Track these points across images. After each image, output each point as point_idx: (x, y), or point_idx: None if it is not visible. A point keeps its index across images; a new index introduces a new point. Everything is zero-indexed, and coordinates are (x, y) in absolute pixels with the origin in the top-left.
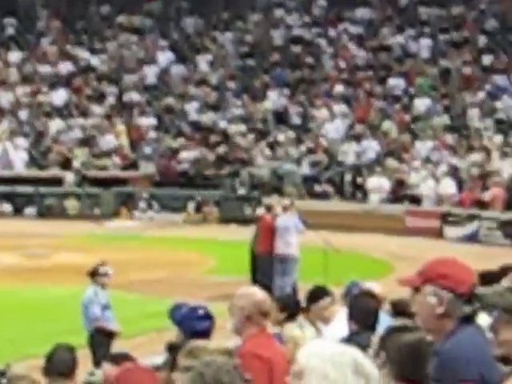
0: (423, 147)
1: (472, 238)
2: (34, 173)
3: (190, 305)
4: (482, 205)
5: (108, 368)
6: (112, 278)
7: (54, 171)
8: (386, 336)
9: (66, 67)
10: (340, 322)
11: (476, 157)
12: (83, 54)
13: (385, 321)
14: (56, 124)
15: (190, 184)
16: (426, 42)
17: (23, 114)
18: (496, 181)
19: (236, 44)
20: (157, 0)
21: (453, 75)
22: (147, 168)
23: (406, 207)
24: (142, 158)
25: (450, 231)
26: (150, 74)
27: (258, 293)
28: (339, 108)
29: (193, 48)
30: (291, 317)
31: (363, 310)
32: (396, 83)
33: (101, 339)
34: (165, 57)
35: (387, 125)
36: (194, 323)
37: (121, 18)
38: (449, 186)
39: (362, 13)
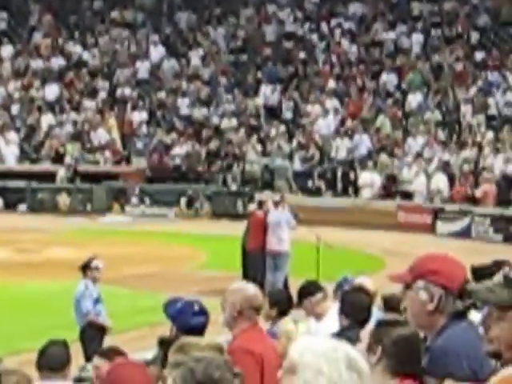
0: (415, 143)
1: (464, 234)
2: (26, 167)
3: (185, 300)
4: (474, 201)
5: (98, 363)
6: (104, 272)
7: (46, 166)
8: (380, 330)
9: (58, 62)
10: (332, 317)
11: (468, 153)
12: (75, 48)
13: (377, 316)
14: (48, 119)
15: (181, 179)
16: (418, 38)
17: (15, 109)
18: (488, 177)
19: (228, 39)
20: None
21: (445, 71)
22: (139, 163)
23: (398, 203)
24: (133, 152)
25: (442, 227)
26: (142, 68)
27: (250, 288)
28: (331, 103)
29: (185, 43)
30: (283, 313)
31: (355, 305)
32: (388, 79)
33: (92, 334)
34: (157, 52)
35: (381, 120)
36: (188, 318)
37: (113, 13)
38: (440, 182)
39: (354, 8)
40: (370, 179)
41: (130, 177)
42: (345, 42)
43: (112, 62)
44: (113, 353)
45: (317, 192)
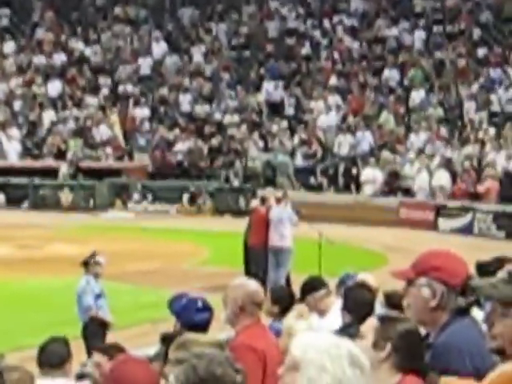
0: (417, 139)
1: (466, 230)
2: (28, 164)
3: (190, 296)
4: (476, 197)
5: (98, 359)
6: (105, 268)
7: (48, 162)
8: (387, 326)
9: (60, 58)
10: (335, 313)
11: (470, 149)
12: (77, 45)
13: (379, 313)
14: (50, 115)
15: (184, 175)
16: (420, 34)
17: (17, 105)
18: (490, 173)
19: (230, 35)
20: None
21: (447, 67)
22: (141, 159)
23: (400, 199)
24: (136, 149)
25: (444, 223)
26: (145, 65)
27: (251, 283)
28: (334, 100)
29: (187, 39)
30: (285, 310)
31: (358, 301)
32: (390, 75)
33: (95, 330)
34: (159, 48)
35: (385, 116)
36: (192, 315)
37: (115, 9)
38: (443, 178)
39: (356, 4)
40: (372, 175)
41: (132, 173)
42: (347, 39)
43: (114, 59)
44: (113, 349)
45: (319, 188)
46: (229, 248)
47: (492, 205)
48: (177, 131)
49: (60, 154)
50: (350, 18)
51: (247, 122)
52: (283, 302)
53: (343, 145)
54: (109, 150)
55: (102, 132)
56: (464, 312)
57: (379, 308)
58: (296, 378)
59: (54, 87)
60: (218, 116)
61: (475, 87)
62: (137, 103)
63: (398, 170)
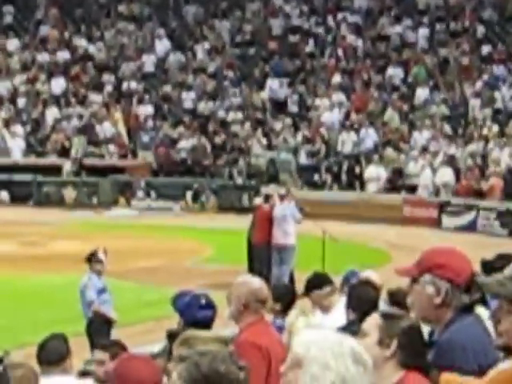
0: (421, 137)
1: (470, 228)
2: (32, 161)
3: (193, 293)
4: (480, 194)
5: (100, 356)
6: (108, 265)
7: (52, 159)
8: (391, 323)
9: (64, 55)
10: (339, 311)
11: (474, 147)
12: (81, 42)
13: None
14: (54, 112)
15: (187, 172)
16: (424, 32)
17: (21, 102)
18: (494, 170)
19: (234, 33)
20: None
21: (451, 65)
22: (145, 156)
23: (404, 196)
24: (139, 146)
25: (448, 221)
26: (148, 62)
27: (255, 281)
28: (337, 97)
29: (191, 37)
30: (287, 307)
31: (362, 299)
32: (394, 73)
33: (99, 326)
34: (163, 45)
35: (389, 114)
36: (195, 312)
37: (119, 7)
38: (446, 176)
39: (360, 2)
40: (375, 173)
41: (135, 170)
42: (351, 36)
43: (118, 56)
44: (114, 346)
45: (323, 186)
46: (232, 245)
47: (496, 202)
48: (180, 129)
49: (64, 152)
50: (354, 15)
51: (251, 119)
52: (285, 299)
53: (347, 142)
54: (112, 147)
55: (105, 129)
56: (468, 309)
57: (383, 305)
58: (299, 375)
59: (58, 84)
60: (221, 113)
61: (479, 85)
62: (140, 100)
63: (401, 168)
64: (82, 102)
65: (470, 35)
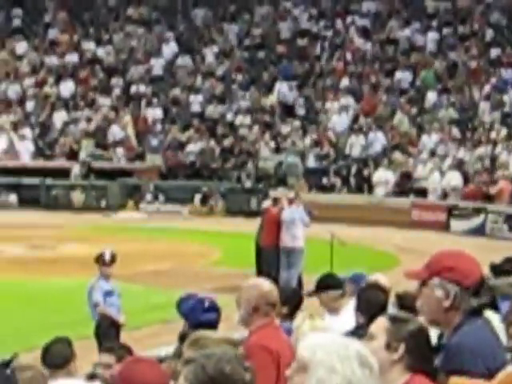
0: (429, 140)
1: (478, 232)
2: (40, 164)
3: (198, 297)
4: (488, 198)
5: (106, 359)
6: (116, 268)
7: (61, 162)
8: (399, 327)
9: (72, 59)
10: (348, 313)
11: (482, 150)
12: (90, 45)
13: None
14: (62, 115)
15: (196, 176)
16: (433, 36)
17: (30, 105)
18: (503, 174)
19: (243, 36)
20: None
21: (459, 68)
22: (153, 160)
23: (412, 200)
24: (148, 149)
25: (456, 224)
26: (157, 65)
27: (265, 284)
28: (346, 101)
29: (200, 40)
30: (294, 310)
31: (371, 302)
32: (403, 76)
33: (106, 329)
34: (171, 49)
35: (398, 118)
36: (198, 315)
37: (128, 10)
38: (454, 179)
39: (369, 5)
40: (384, 177)
41: (144, 174)
42: (359, 40)
43: (126, 59)
44: (120, 349)
45: (331, 189)
46: (240, 249)
47: (504, 206)
48: (189, 132)
49: (72, 155)
50: (363, 18)
51: (259, 122)
52: (292, 302)
53: (355, 146)
54: (121, 150)
55: (114, 132)
56: (477, 313)
57: (391, 309)
58: (305, 379)
59: (67, 88)
60: (229, 117)
61: (487, 88)
62: (149, 104)
63: (410, 172)
64: (91, 105)
65: (478, 39)
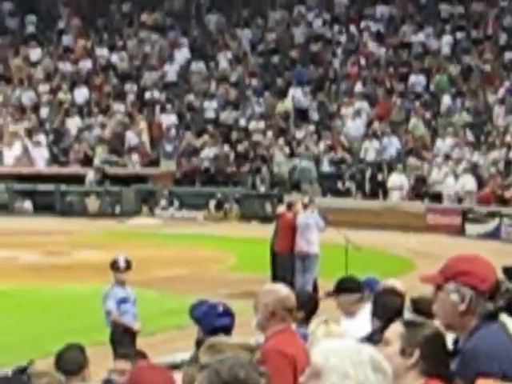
0: (444, 144)
1: (493, 235)
2: (55, 170)
3: (210, 302)
4: (503, 202)
5: (121, 366)
6: (128, 272)
7: (75, 169)
8: (414, 332)
9: (86, 65)
10: (364, 317)
11: (496, 154)
12: (104, 51)
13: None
14: (76, 122)
15: (210, 181)
16: (446, 40)
17: (44, 112)
18: None
19: (256, 41)
20: None
21: (474, 72)
22: (168, 165)
23: (427, 204)
24: (163, 155)
25: (471, 228)
26: (171, 71)
27: (283, 289)
28: (360, 105)
29: (213, 45)
30: (310, 315)
31: (388, 306)
32: (417, 80)
33: (120, 336)
34: (185, 54)
35: (413, 122)
36: (212, 320)
37: (142, 16)
38: (469, 183)
39: (382, 10)
40: (399, 181)
41: (159, 179)
42: (373, 44)
43: (140, 65)
44: (136, 355)
45: (346, 194)
46: (256, 254)
47: None
48: (204, 137)
49: (87, 161)
50: (376, 23)
51: (273, 128)
52: (308, 307)
53: (369, 150)
54: (136, 156)
55: (129, 139)
56: (493, 317)
57: (406, 314)
58: None
59: (81, 94)
60: (244, 122)
61: (501, 92)
62: (163, 110)
63: (424, 176)
64: (105, 111)
65: (492, 43)
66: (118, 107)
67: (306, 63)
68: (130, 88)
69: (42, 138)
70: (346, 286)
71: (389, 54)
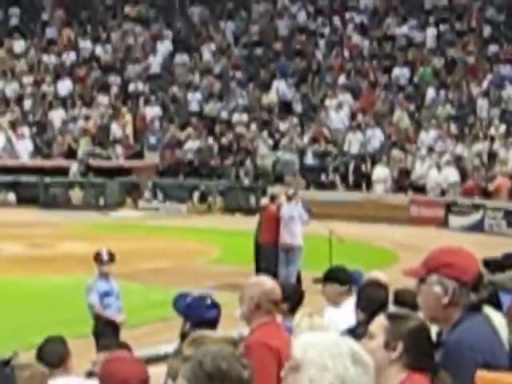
0: (427, 137)
1: (477, 228)
2: (39, 162)
3: (194, 294)
4: (487, 194)
5: (104, 357)
6: (112, 264)
7: (59, 161)
8: (397, 325)
9: (70, 57)
10: (348, 308)
11: (480, 146)
12: (87, 43)
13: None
14: (60, 114)
15: (194, 174)
16: (430, 32)
17: (27, 104)
18: (501, 170)
19: (240, 34)
20: None
21: (457, 65)
22: (152, 158)
23: (411, 197)
24: (146, 147)
25: (455, 221)
26: (155, 63)
27: (268, 282)
28: (344, 97)
29: (197, 38)
30: (294, 307)
31: (373, 299)
32: (401, 73)
33: (102, 328)
34: (169, 46)
35: (398, 115)
36: (202, 312)
37: (125, 8)
38: (452, 176)
39: (366, 2)
40: (382, 174)
41: (142, 172)
42: (357, 36)
43: (124, 57)
44: (118, 347)
45: (330, 186)
46: (239, 246)
47: (503, 202)
48: (187, 130)
49: (70, 153)
50: (360, 15)
51: (257, 120)
52: (293, 299)
53: (353, 143)
54: (119, 148)
55: (113, 131)
56: (476, 308)
57: (390, 306)
58: (297, 379)
59: (65, 86)
60: (227, 114)
61: (485, 84)
62: (147, 102)
63: (408, 168)
64: (89, 103)
65: (476, 35)
66: (102, 99)
67: (290, 55)
68: (114, 80)
69: (25, 130)
70: (335, 276)
71: (373, 46)
